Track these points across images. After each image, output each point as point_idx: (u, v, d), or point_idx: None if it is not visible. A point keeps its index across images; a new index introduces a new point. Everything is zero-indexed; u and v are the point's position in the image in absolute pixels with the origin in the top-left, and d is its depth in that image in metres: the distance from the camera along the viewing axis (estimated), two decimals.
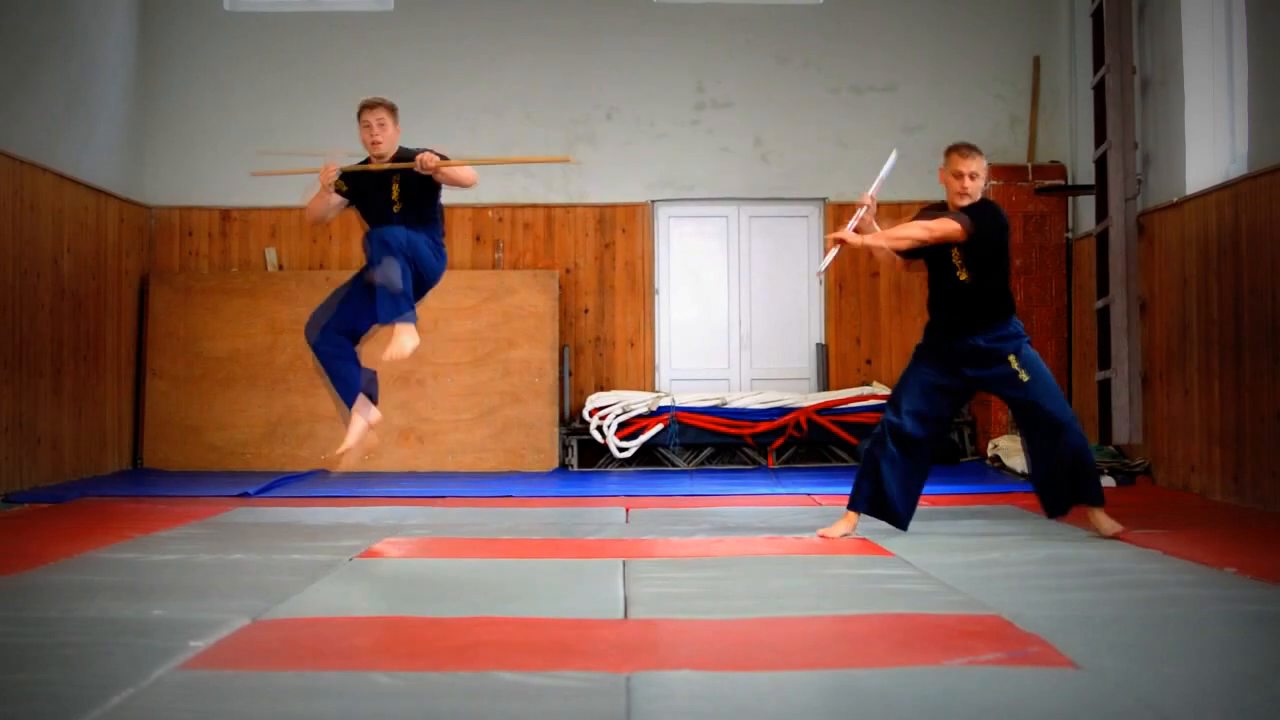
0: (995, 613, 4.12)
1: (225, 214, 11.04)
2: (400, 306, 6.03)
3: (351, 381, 6.28)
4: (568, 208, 11.10)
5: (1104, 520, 5.93)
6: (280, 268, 10.99)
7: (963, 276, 5.93)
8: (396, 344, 6.05)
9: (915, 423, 5.99)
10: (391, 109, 6.39)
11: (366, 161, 6.40)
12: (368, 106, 6.37)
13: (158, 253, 10.98)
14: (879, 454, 6.03)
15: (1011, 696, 3.15)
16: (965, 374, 6.00)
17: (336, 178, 6.38)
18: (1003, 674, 3.36)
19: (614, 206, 11.12)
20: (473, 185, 6.43)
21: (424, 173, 6.21)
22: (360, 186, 6.40)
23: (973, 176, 5.90)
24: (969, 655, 3.53)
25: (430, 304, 10.70)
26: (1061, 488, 5.94)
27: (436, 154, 6.21)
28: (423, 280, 6.32)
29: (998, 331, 5.94)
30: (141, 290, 10.69)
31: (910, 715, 3.02)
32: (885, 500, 6.05)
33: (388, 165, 6.28)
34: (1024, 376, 5.90)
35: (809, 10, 11.14)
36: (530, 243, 11.06)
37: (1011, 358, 5.92)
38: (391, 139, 6.36)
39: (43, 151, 8.96)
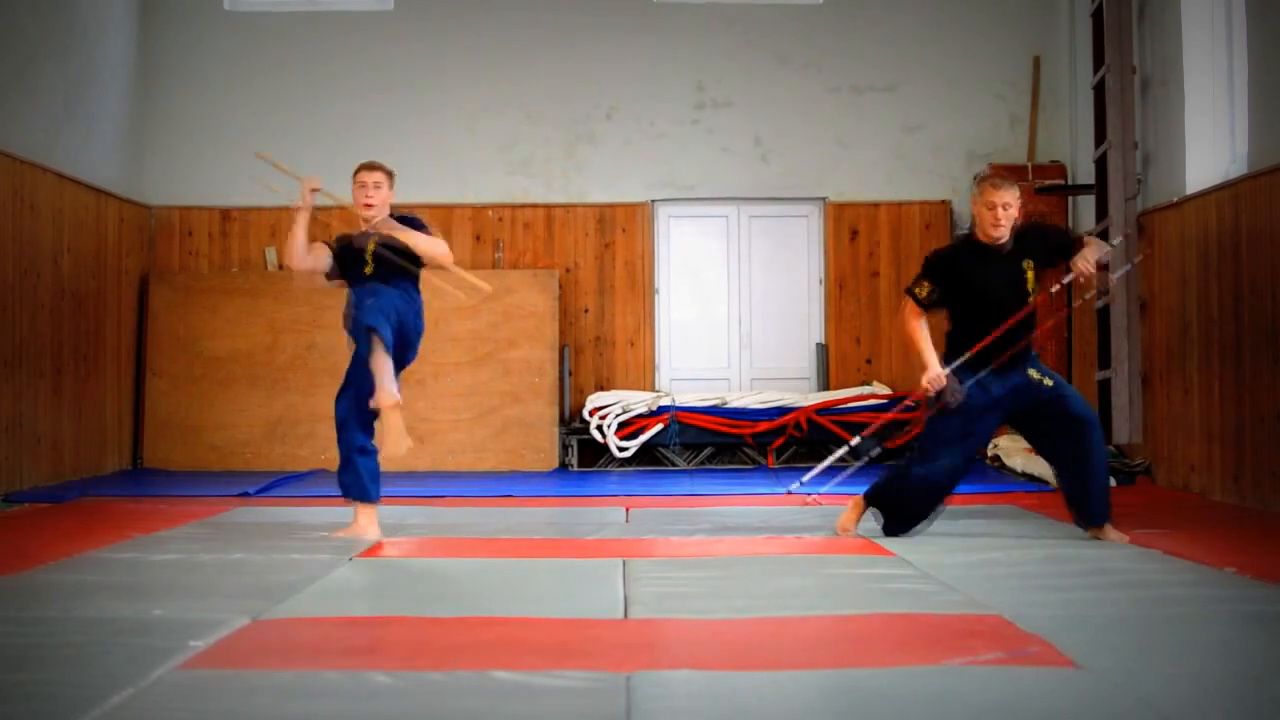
0: (995, 613, 4.12)
1: (225, 214, 11.04)
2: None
3: (367, 484, 6.11)
4: (568, 207, 11.10)
5: (1112, 533, 5.93)
6: (280, 267, 10.99)
7: (1036, 300, 5.84)
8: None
9: (951, 476, 5.91)
10: (389, 174, 6.23)
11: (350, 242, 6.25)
12: (366, 168, 6.20)
13: (158, 252, 10.98)
14: (911, 498, 5.97)
15: (1011, 696, 3.15)
16: (1000, 409, 5.91)
17: (313, 204, 6.29)
18: (1003, 674, 3.36)
19: (614, 206, 11.12)
20: (441, 260, 6.19)
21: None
22: (345, 250, 6.28)
23: (1005, 207, 5.75)
24: (969, 655, 3.53)
25: (431, 304, 10.68)
26: (1097, 497, 5.85)
27: (407, 226, 6.09)
28: (406, 345, 6.19)
29: (1029, 358, 5.92)
30: (141, 290, 10.68)
31: (910, 715, 3.02)
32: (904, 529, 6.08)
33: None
34: (1047, 381, 5.86)
35: (809, 10, 11.14)
36: (530, 242, 11.06)
37: (1031, 371, 5.89)
38: (384, 202, 6.19)
39: (42, 151, 8.96)
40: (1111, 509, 5.92)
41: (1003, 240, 5.79)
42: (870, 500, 6.11)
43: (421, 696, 3.18)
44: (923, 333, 5.88)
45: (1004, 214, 5.74)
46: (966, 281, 5.84)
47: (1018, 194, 5.80)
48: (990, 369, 5.78)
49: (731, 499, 8.08)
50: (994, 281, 5.80)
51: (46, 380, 8.92)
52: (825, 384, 10.91)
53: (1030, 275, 5.81)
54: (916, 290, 5.93)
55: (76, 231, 9.46)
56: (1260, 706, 3.13)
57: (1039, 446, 6.12)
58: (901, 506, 5.99)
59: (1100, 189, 9.01)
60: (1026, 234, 5.87)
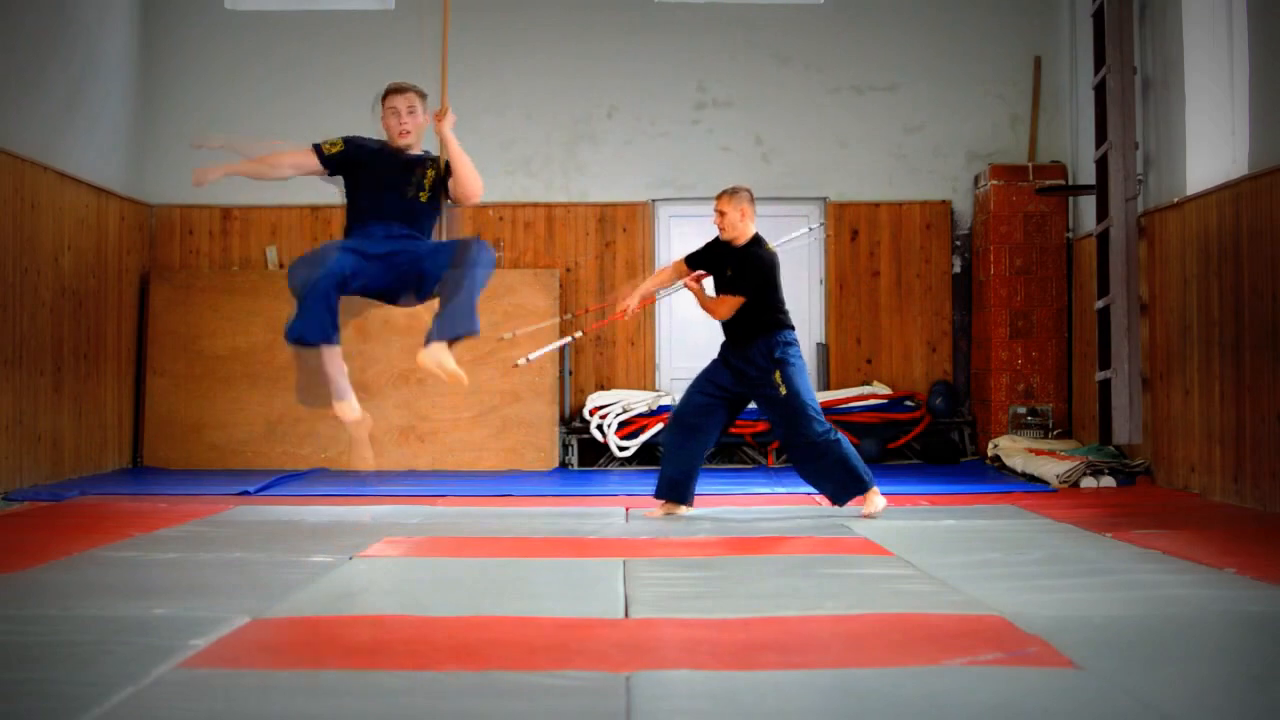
0: (995, 613, 4.12)
1: (226, 212, 11.04)
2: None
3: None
4: (568, 206, 11.10)
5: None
6: (281, 266, 10.99)
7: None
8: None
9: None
10: (423, 96, 5.89)
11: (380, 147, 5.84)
12: (396, 90, 5.82)
13: (158, 251, 10.99)
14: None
15: (1011, 696, 3.16)
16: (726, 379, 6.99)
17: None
18: (1003, 674, 3.37)
19: (614, 205, 11.12)
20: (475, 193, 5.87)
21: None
22: (365, 161, 5.78)
23: (720, 214, 6.85)
24: (969, 655, 3.53)
25: (431, 302, 10.72)
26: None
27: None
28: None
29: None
30: (142, 288, 10.69)
31: (910, 715, 3.02)
32: None
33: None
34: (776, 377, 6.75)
35: (809, 10, 11.13)
36: (531, 242, 11.06)
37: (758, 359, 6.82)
38: (421, 130, 5.90)
39: (44, 150, 8.96)
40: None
41: (731, 241, 6.90)
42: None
43: (421, 696, 3.18)
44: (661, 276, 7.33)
45: (720, 219, 6.85)
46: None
47: (733, 203, 6.81)
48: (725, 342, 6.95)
49: (731, 499, 8.08)
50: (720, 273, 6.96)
51: (47, 379, 8.93)
52: (825, 384, 10.91)
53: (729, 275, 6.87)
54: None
55: (77, 230, 9.47)
56: (1260, 707, 3.13)
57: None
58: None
59: (1101, 189, 9.01)
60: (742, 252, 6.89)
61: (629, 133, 11.10)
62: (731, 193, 6.84)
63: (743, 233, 6.86)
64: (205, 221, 11.04)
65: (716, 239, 6.97)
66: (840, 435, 6.80)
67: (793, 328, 6.93)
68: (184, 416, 10.48)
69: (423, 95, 5.93)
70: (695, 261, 7.03)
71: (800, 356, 6.87)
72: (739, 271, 6.81)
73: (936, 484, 8.74)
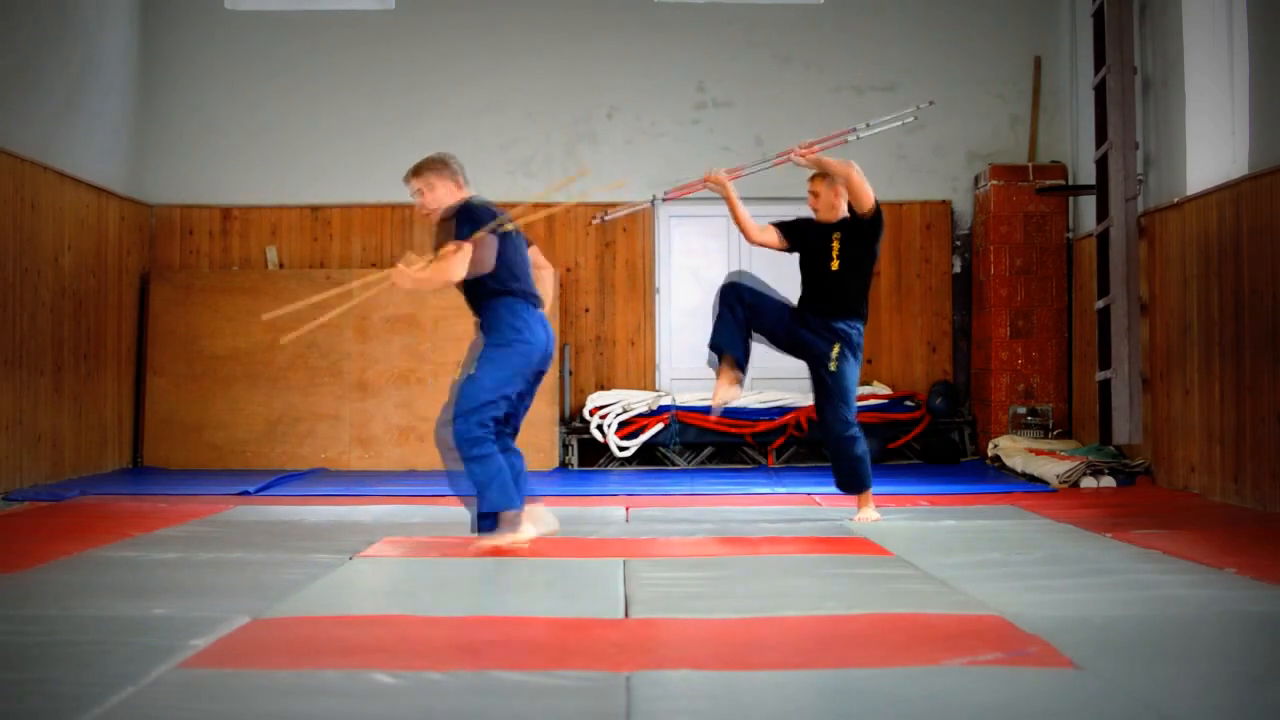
0: (995, 613, 4.12)
1: (226, 212, 11.04)
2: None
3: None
4: (568, 206, 11.08)
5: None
6: (281, 266, 10.99)
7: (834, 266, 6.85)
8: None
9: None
10: (435, 168, 5.80)
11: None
12: (405, 180, 5.88)
13: (158, 251, 10.98)
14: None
15: (1011, 696, 3.16)
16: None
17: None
18: (1003, 674, 3.37)
19: (614, 206, 11.09)
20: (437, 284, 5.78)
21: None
22: None
23: (814, 195, 6.93)
24: (969, 655, 3.53)
25: (431, 302, 10.76)
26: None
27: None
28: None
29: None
30: (142, 288, 10.68)
31: (910, 715, 3.02)
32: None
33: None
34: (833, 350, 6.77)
35: (809, 10, 11.13)
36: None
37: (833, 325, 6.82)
38: (438, 202, 5.79)
39: (44, 150, 8.96)
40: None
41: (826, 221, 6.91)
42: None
43: (421, 696, 3.18)
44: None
45: (814, 200, 6.93)
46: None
47: (827, 184, 6.88)
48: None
49: (731, 499, 8.08)
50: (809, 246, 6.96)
51: (47, 378, 8.92)
52: None
53: (835, 245, 6.84)
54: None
55: (77, 230, 9.47)
56: (1260, 707, 3.13)
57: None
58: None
59: (1101, 189, 9.01)
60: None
61: (629, 133, 11.10)
62: (822, 175, 6.84)
63: (840, 210, 6.88)
64: (205, 221, 11.04)
65: (804, 218, 7.00)
66: (858, 436, 6.79)
67: (866, 321, 6.98)
68: (184, 416, 10.48)
69: (422, 171, 5.85)
70: (787, 229, 7.05)
71: (860, 351, 6.92)
72: (862, 234, 6.79)
73: (936, 484, 8.75)
